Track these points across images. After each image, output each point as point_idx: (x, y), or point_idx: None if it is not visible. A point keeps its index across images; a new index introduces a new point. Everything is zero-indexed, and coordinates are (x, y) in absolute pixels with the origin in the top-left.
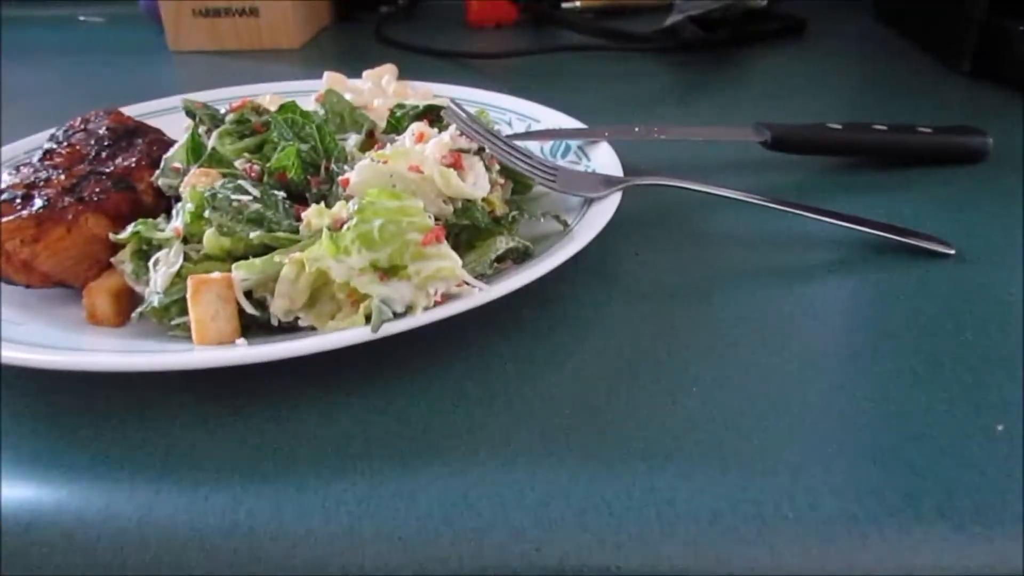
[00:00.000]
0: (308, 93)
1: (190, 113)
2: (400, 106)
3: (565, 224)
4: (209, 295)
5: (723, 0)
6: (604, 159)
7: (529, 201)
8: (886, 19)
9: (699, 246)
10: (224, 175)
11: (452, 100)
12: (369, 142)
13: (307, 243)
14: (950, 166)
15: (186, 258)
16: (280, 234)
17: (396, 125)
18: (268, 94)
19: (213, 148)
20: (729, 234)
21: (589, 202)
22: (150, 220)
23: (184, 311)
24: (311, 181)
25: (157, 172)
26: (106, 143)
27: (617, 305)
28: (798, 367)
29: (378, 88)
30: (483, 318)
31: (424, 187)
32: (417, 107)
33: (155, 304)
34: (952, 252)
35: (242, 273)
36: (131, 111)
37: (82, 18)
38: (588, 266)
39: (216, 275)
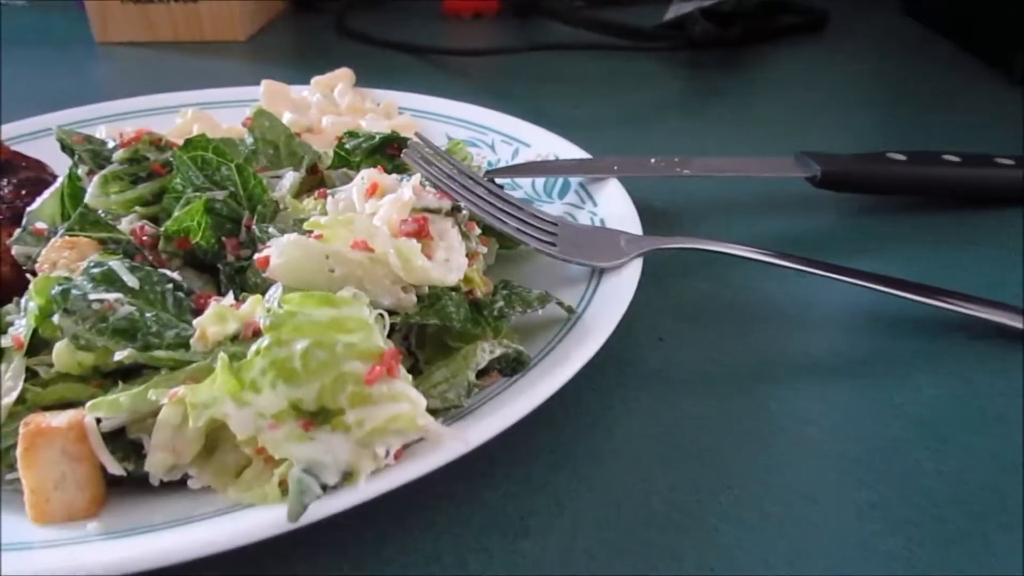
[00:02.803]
0: (246, 104)
1: (66, 148)
2: (351, 135)
3: (571, 311)
4: (50, 452)
5: None
6: (615, 204)
7: (515, 264)
8: (916, 14)
9: (737, 324)
10: (102, 243)
11: (417, 134)
12: (311, 180)
13: (201, 367)
14: None
15: (31, 377)
16: (160, 353)
17: (346, 159)
18: (189, 109)
19: (85, 205)
20: (774, 308)
21: (599, 273)
22: None
23: None
24: (226, 245)
25: (16, 234)
26: None
27: (639, 407)
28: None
29: (328, 101)
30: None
31: (375, 270)
32: (372, 139)
33: None
34: None
35: (102, 413)
36: (27, 126)
37: (3, 1)
38: (599, 353)
39: (63, 418)
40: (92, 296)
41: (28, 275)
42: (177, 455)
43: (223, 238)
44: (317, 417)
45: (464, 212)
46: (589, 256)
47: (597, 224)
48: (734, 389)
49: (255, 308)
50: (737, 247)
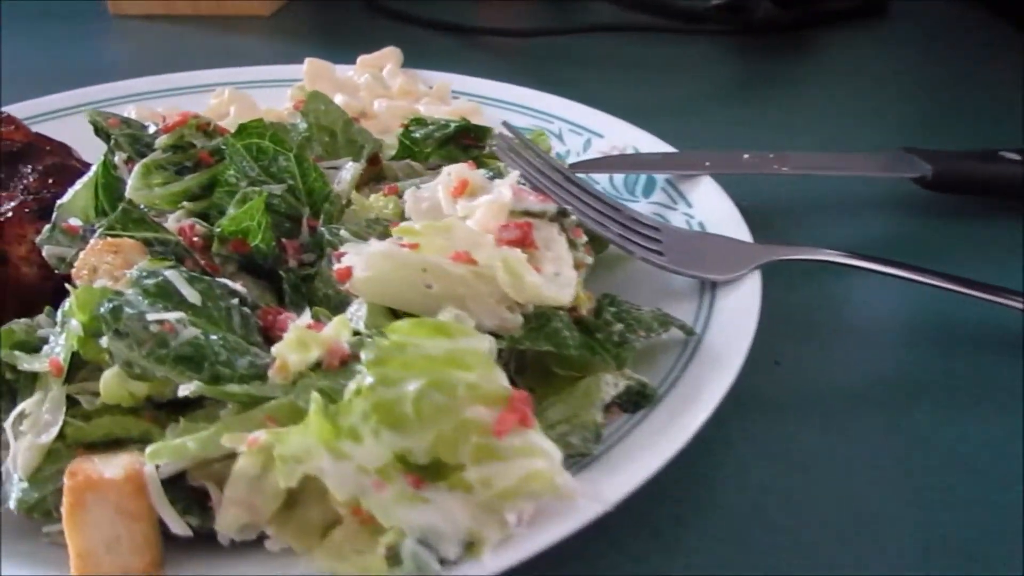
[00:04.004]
0: (283, 84)
1: (101, 132)
2: (418, 122)
3: (691, 332)
4: (102, 510)
5: None
6: (713, 206)
7: (603, 272)
8: None
9: (858, 343)
10: (147, 245)
11: (505, 124)
12: (369, 172)
13: (281, 405)
14: None
15: (71, 409)
16: (233, 388)
17: (412, 150)
18: (225, 88)
19: (128, 200)
20: (896, 323)
21: (711, 286)
22: (22, 323)
23: None
24: (286, 248)
25: (45, 230)
26: None
27: (757, 438)
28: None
29: (378, 83)
30: None
31: (478, 287)
32: (445, 127)
33: (15, 500)
34: None
35: (164, 461)
36: (44, 104)
37: None
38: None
39: (116, 468)
40: (150, 316)
41: (60, 280)
42: (253, 512)
43: (282, 240)
44: (427, 472)
45: (572, 217)
46: (702, 268)
47: (695, 228)
48: (860, 417)
49: (340, 331)
50: (875, 264)
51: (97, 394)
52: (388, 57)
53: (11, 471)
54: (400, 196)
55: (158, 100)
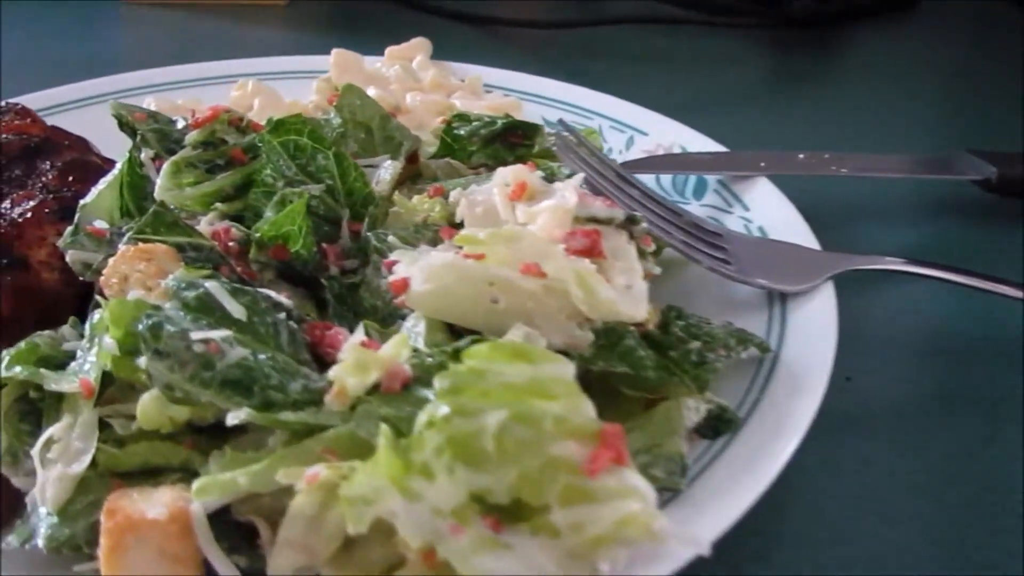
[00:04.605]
0: (306, 76)
1: (126, 126)
2: (461, 118)
3: (766, 349)
4: (144, 553)
5: None
6: (773, 210)
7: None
8: None
9: (934, 358)
10: (179, 250)
11: (562, 122)
12: (407, 171)
13: (341, 436)
14: None
15: (103, 433)
16: (287, 416)
17: (454, 148)
18: (248, 79)
19: (161, 202)
20: (977, 337)
21: (780, 298)
22: (46, 336)
23: (99, 541)
24: (327, 254)
25: (67, 232)
26: None
27: (832, 460)
28: None
29: (409, 76)
30: None
31: (548, 302)
32: (492, 124)
33: (43, 536)
34: None
35: (214, 498)
36: (49, 97)
37: None
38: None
39: (159, 506)
40: (194, 335)
41: (82, 287)
42: (310, 554)
43: (323, 245)
44: (506, 513)
45: (643, 224)
46: (771, 277)
47: (755, 233)
48: (937, 435)
49: (400, 351)
50: (957, 275)
51: (131, 417)
52: (417, 48)
53: (38, 503)
54: (446, 198)
55: (176, 91)
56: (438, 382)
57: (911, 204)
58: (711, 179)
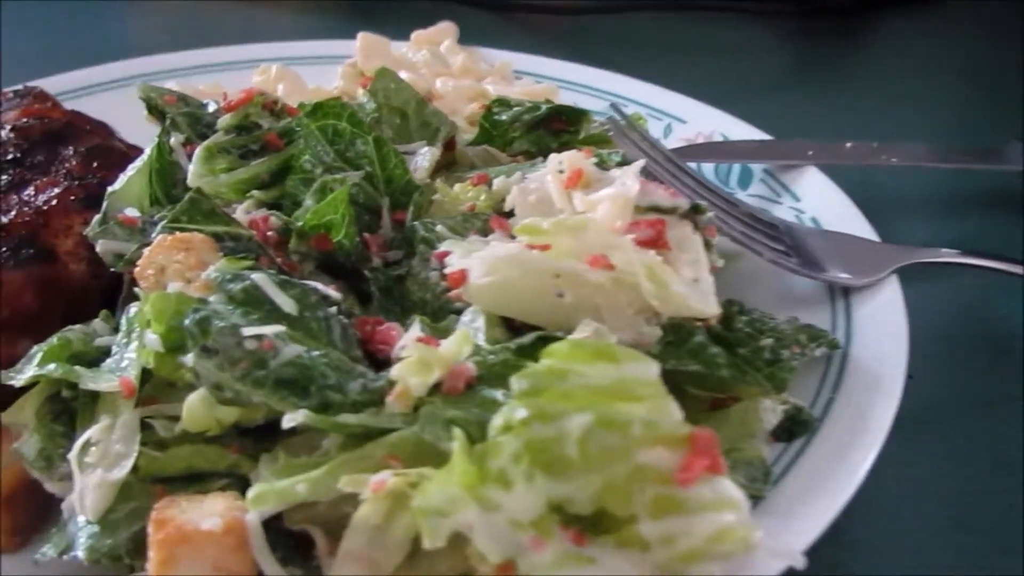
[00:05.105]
0: (329, 61)
1: (155, 110)
2: (502, 103)
3: (836, 346)
4: (197, 565)
5: None
6: (826, 200)
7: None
8: None
9: (1000, 356)
10: (218, 240)
11: (613, 106)
12: (444, 158)
13: (404, 439)
14: None
15: (143, 435)
16: (348, 418)
17: (492, 134)
18: (272, 64)
19: (197, 189)
20: None
21: (843, 292)
22: (77, 331)
23: (145, 553)
24: (369, 245)
25: (95, 221)
26: (9, 156)
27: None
28: None
29: (438, 60)
30: None
31: (616, 296)
32: (536, 110)
33: (83, 547)
34: None
35: (271, 507)
36: (64, 82)
37: None
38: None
39: (212, 517)
40: (246, 331)
41: (111, 278)
42: (374, 566)
43: (364, 234)
44: (587, 523)
45: (709, 214)
46: (834, 271)
47: (808, 224)
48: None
49: (461, 348)
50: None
51: (174, 418)
52: (444, 33)
53: (76, 511)
54: (489, 186)
55: (196, 77)
56: (516, 383)
57: (955, 195)
58: (756, 168)
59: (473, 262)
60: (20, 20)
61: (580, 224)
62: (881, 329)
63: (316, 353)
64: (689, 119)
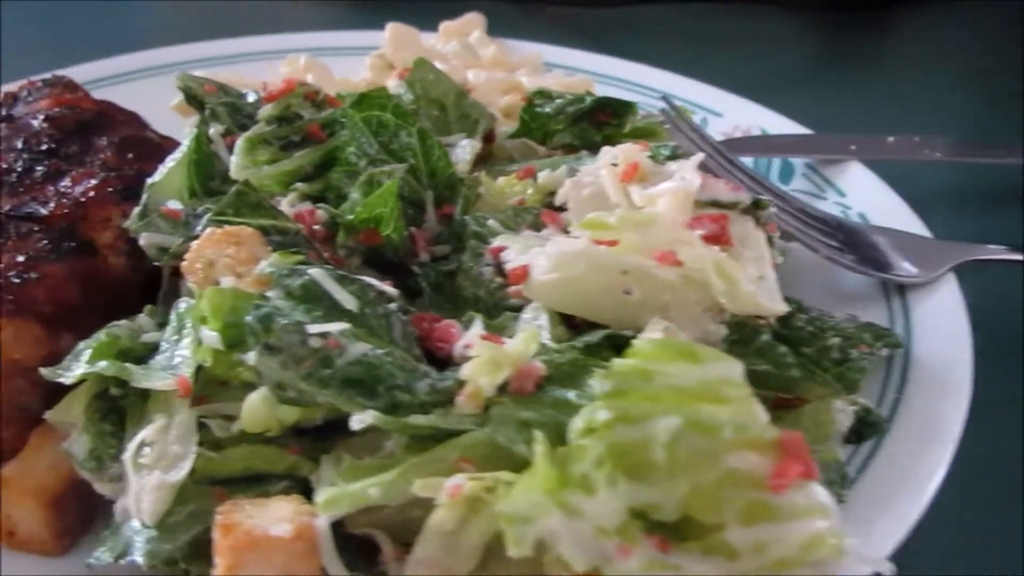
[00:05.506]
0: (353, 52)
1: (193, 99)
2: (543, 95)
3: (898, 345)
4: (264, 570)
5: None
6: (873, 195)
7: None
8: None
9: None
10: (265, 234)
11: (666, 99)
12: (483, 150)
13: (477, 442)
14: None
15: (200, 435)
16: (419, 419)
17: (532, 127)
18: (300, 54)
19: (245, 182)
20: None
21: (900, 290)
22: (123, 326)
23: (204, 558)
24: (415, 239)
25: (135, 214)
26: (43, 146)
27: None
28: None
29: (468, 52)
30: None
31: (685, 294)
32: (580, 102)
33: (142, 552)
34: None
35: (343, 511)
36: (86, 72)
37: None
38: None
39: (281, 522)
40: (311, 328)
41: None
42: (446, 572)
43: (411, 229)
44: (678, 533)
45: (770, 209)
46: (891, 268)
47: (855, 219)
48: None
49: (529, 347)
50: None
51: (228, 418)
52: (472, 24)
53: (131, 514)
54: (534, 179)
55: (223, 66)
56: (599, 384)
57: (992, 190)
58: (797, 163)
59: (537, 258)
60: (36, 9)
61: (647, 219)
62: (942, 329)
63: (381, 352)
64: (726, 112)
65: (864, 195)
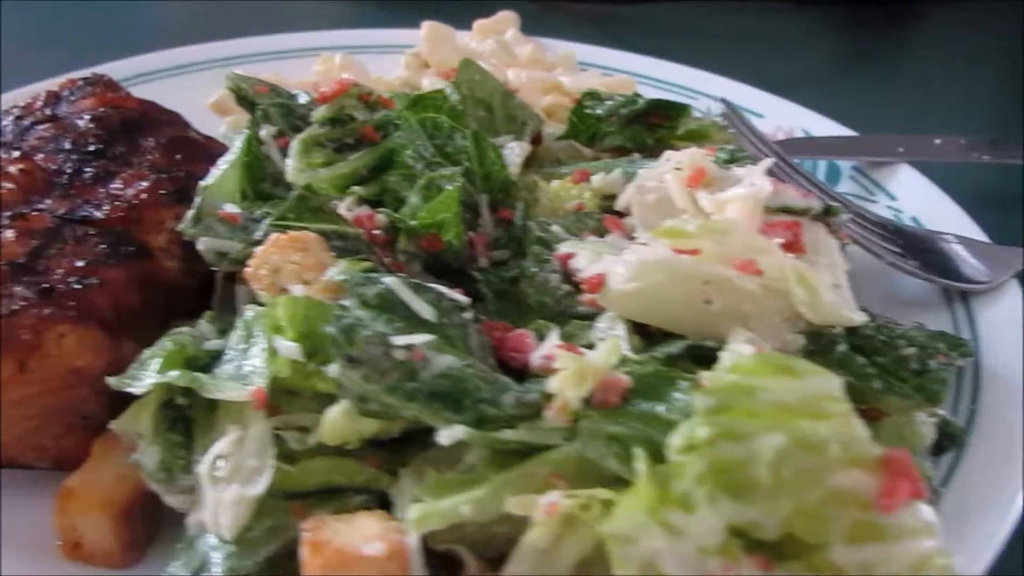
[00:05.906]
0: (386, 50)
1: (244, 100)
2: (593, 96)
3: (969, 354)
4: None
5: None
6: (925, 199)
7: None
8: None
9: None
10: (326, 238)
11: (725, 102)
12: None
13: (569, 457)
14: None
15: (280, 447)
16: (509, 434)
17: (582, 128)
18: (335, 52)
19: (307, 186)
20: None
21: (963, 297)
22: (185, 333)
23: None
24: (474, 244)
25: (189, 217)
26: (91, 147)
27: None
28: None
29: (504, 51)
30: None
31: (766, 304)
32: (633, 103)
33: (223, 568)
34: None
35: (435, 526)
36: (123, 68)
37: None
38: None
39: (373, 539)
40: (395, 340)
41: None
42: None
43: (470, 233)
44: (770, 548)
45: (843, 216)
46: (953, 274)
47: (908, 223)
48: None
49: (611, 358)
50: None
51: (303, 430)
52: (506, 22)
53: (206, 528)
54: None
55: (253, 64)
56: (699, 400)
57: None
58: (844, 165)
59: (614, 267)
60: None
61: (725, 227)
62: (1010, 336)
63: (463, 363)
64: (767, 113)
65: (916, 198)
